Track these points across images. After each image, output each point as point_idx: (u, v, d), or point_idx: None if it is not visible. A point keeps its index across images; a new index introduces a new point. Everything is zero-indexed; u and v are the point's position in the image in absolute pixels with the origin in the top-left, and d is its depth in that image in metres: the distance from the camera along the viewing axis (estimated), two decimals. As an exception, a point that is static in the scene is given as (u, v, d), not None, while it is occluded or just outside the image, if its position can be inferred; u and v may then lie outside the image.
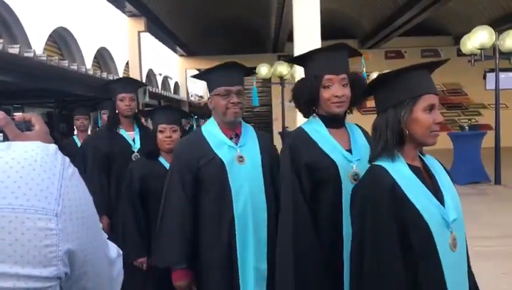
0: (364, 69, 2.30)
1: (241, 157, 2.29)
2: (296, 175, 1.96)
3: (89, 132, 5.47)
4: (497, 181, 9.08)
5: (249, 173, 2.29)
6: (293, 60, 2.31)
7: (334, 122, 2.06)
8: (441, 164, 1.75)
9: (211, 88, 2.38)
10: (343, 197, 1.94)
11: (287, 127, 12.43)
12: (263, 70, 12.35)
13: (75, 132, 5.43)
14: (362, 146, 2.07)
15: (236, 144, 2.33)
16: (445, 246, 1.54)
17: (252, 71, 2.59)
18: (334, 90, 1.98)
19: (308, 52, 2.12)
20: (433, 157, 1.76)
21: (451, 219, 1.56)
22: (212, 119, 2.40)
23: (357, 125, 2.19)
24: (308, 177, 1.96)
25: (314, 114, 2.08)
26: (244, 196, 2.26)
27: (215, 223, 2.27)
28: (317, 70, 2.01)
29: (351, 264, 1.67)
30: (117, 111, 3.50)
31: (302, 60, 2.16)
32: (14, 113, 0.84)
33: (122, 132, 3.50)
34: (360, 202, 1.62)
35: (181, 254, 2.28)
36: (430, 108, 1.59)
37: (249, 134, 2.42)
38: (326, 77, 1.98)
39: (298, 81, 2.13)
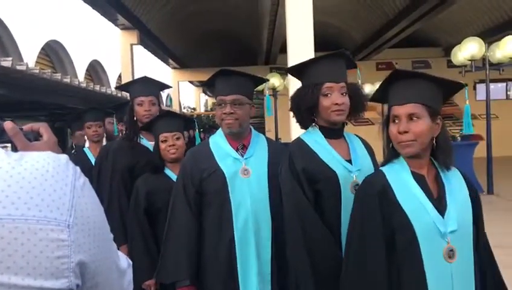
0: (359, 81, 2.26)
1: (246, 170, 2.18)
2: (298, 183, 1.94)
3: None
4: (490, 191, 9.14)
5: (253, 187, 2.17)
6: (291, 70, 2.23)
7: (333, 132, 2.04)
8: (465, 179, 1.74)
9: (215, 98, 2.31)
10: (342, 207, 1.94)
11: (280, 139, 12.45)
12: (256, 82, 12.36)
13: (86, 144, 4.36)
14: (362, 156, 2.06)
15: (243, 156, 2.22)
16: (436, 255, 1.55)
17: (262, 80, 2.42)
18: (334, 98, 1.96)
19: (307, 61, 2.10)
20: (456, 170, 1.74)
21: (448, 229, 1.56)
22: (219, 129, 2.30)
23: (357, 135, 2.17)
24: (308, 187, 1.94)
25: (314, 124, 2.06)
26: (246, 211, 2.14)
27: (215, 240, 2.17)
28: (317, 78, 1.99)
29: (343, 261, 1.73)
30: (135, 118, 2.98)
31: (300, 69, 2.13)
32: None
33: (144, 142, 2.96)
34: (354, 203, 1.72)
35: (185, 271, 2.18)
36: (394, 119, 1.64)
37: (259, 145, 2.29)
38: (326, 84, 1.97)
39: (297, 90, 2.09)
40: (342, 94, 1.98)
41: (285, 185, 1.99)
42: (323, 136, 2.02)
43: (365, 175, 1.93)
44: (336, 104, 1.96)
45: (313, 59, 2.11)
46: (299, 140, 2.08)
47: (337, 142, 2.04)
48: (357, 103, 2.05)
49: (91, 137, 4.00)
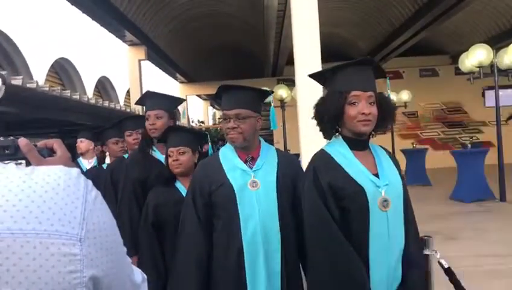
0: (389, 91, 2.08)
1: (254, 182, 2.15)
2: (322, 200, 1.82)
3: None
4: (503, 198, 9.03)
5: (261, 199, 2.13)
6: (314, 76, 2.07)
7: (359, 143, 1.92)
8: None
9: None
10: (370, 225, 1.80)
11: (289, 150, 12.43)
12: (263, 94, 12.38)
13: (107, 160, 4.47)
14: (389, 169, 1.92)
15: (251, 168, 2.19)
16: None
17: (266, 92, 2.36)
18: (361, 107, 1.84)
19: (332, 67, 1.96)
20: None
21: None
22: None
23: (381, 146, 2.05)
24: (335, 203, 1.82)
25: (337, 134, 1.94)
26: (254, 223, 2.11)
27: (224, 252, 2.15)
28: (343, 85, 1.87)
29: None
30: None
31: (325, 75, 2.01)
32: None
33: (157, 154, 3.01)
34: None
35: (193, 286, 2.17)
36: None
37: (268, 157, 2.26)
38: (353, 93, 1.84)
39: (321, 97, 1.98)
40: (370, 104, 1.86)
41: (308, 201, 1.88)
42: (348, 148, 1.91)
43: (393, 190, 1.84)
44: (363, 113, 1.83)
45: (339, 66, 1.96)
46: (323, 152, 1.96)
47: (362, 154, 1.91)
48: (387, 114, 1.93)
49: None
